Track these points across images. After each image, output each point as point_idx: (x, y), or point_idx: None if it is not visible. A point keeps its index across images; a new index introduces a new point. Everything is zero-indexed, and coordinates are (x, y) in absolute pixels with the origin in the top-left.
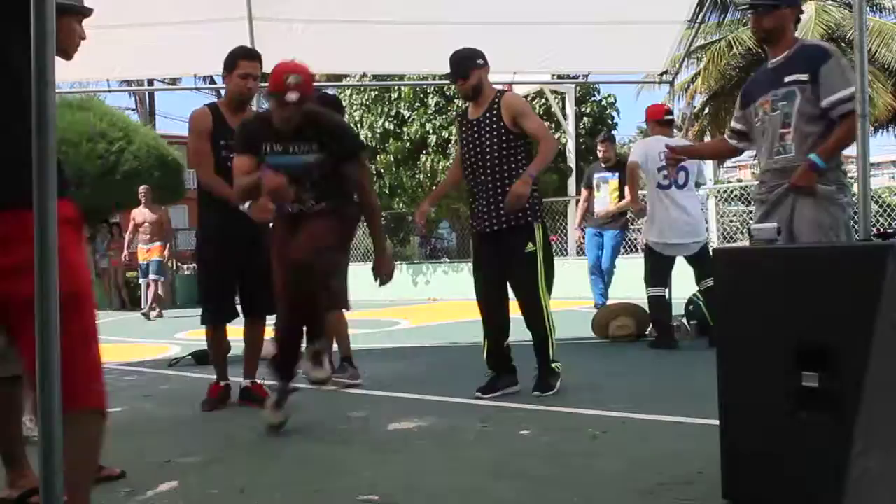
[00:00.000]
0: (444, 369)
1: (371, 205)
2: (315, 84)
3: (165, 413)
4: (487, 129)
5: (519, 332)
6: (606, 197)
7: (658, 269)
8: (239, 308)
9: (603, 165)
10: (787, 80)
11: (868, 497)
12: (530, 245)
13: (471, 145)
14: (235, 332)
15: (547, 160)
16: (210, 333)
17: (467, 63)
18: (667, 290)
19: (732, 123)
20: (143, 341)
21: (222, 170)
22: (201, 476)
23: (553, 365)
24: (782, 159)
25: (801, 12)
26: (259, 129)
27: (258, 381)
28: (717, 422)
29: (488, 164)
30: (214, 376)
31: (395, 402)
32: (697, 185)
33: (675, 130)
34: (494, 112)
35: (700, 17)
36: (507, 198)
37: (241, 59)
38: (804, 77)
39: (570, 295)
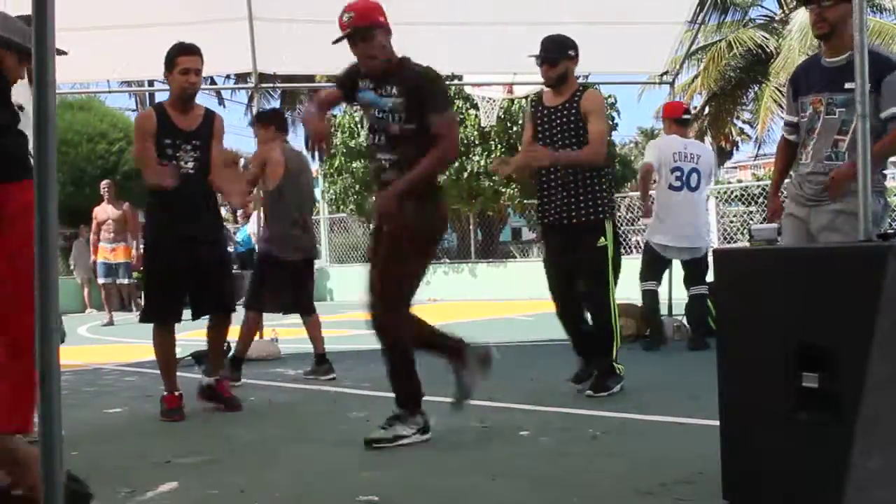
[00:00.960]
0: (444, 369)
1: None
2: (315, 84)
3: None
4: (564, 119)
5: (526, 332)
6: None
7: (653, 266)
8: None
9: None
10: (848, 86)
11: (868, 497)
12: (602, 240)
13: (545, 133)
14: (235, 332)
15: (578, 161)
16: (156, 335)
17: (559, 52)
18: (658, 286)
19: (787, 117)
20: (143, 341)
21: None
22: (201, 476)
23: (616, 365)
24: (832, 165)
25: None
26: (356, 70)
27: (220, 379)
28: (717, 422)
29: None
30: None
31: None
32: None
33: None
34: (575, 103)
35: (700, 18)
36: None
37: (179, 55)
38: (867, 86)
39: None
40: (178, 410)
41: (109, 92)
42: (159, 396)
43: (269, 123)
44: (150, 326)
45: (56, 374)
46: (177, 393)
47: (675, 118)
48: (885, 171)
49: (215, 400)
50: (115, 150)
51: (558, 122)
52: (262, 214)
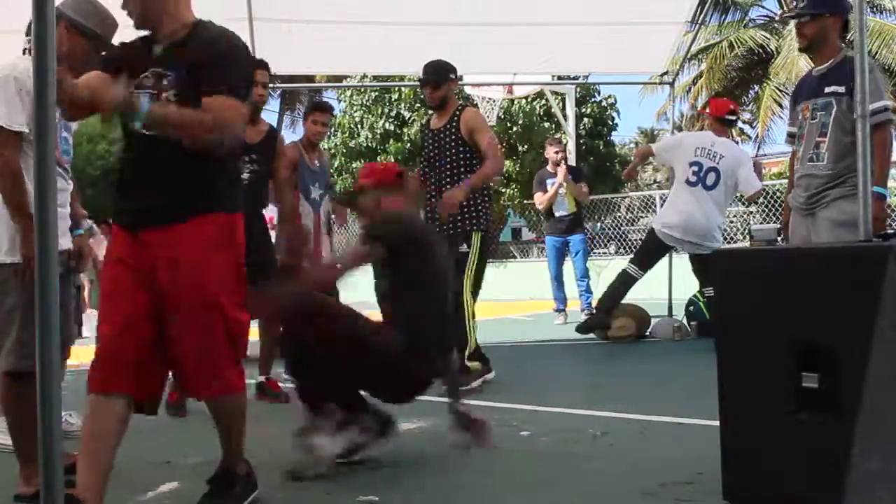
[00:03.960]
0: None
1: None
2: (315, 84)
3: (165, 414)
4: (447, 138)
5: (526, 332)
6: (564, 201)
7: (648, 252)
8: None
9: (551, 170)
10: (826, 90)
11: (868, 497)
12: (464, 247)
13: (432, 153)
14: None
15: (487, 177)
16: None
17: (441, 74)
18: (642, 275)
19: (789, 128)
20: None
21: None
22: (201, 476)
23: (468, 363)
24: (813, 166)
25: (848, 22)
26: None
27: (272, 378)
28: (717, 422)
29: (445, 172)
30: None
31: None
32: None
33: (676, 132)
34: (454, 123)
35: (700, 18)
36: (440, 202)
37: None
38: (841, 89)
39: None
40: (181, 406)
41: None
42: None
43: None
44: None
45: (56, 373)
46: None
47: (719, 117)
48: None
49: (267, 396)
50: (115, 150)
51: (442, 142)
52: None
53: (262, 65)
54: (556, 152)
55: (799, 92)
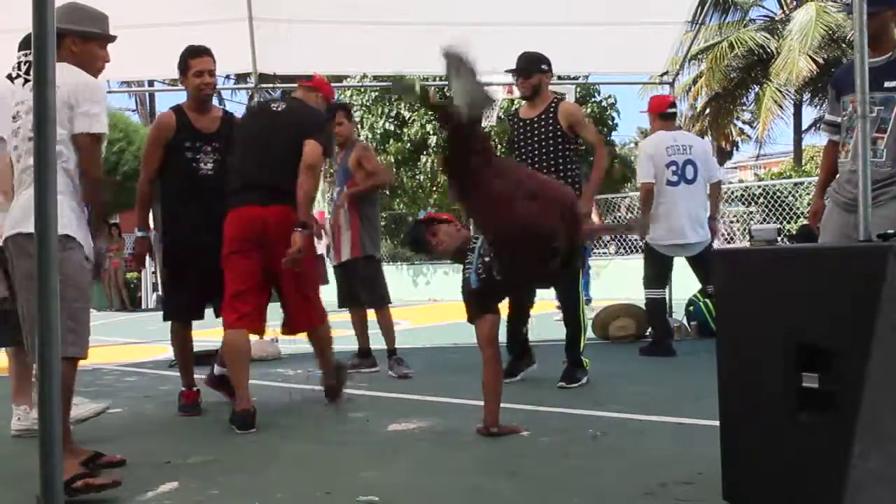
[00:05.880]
0: (444, 370)
1: None
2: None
3: (165, 414)
4: (543, 129)
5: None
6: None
7: (658, 271)
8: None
9: None
10: (887, 84)
11: (868, 497)
12: None
13: (526, 144)
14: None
15: (601, 174)
16: (175, 333)
17: (532, 65)
18: (666, 293)
19: (828, 117)
20: (144, 342)
21: (188, 172)
22: (201, 476)
23: (583, 358)
24: (871, 163)
25: None
26: None
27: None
28: (717, 422)
29: (542, 163)
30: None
31: (395, 403)
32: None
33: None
34: (551, 114)
35: (700, 18)
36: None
37: (190, 58)
38: (867, 86)
39: None
40: (195, 406)
41: (109, 92)
42: (159, 396)
43: None
44: (150, 327)
45: (56, 374)
46: (194, 388)
47: (661, 113)
48: None
49: (225, 389)
50: (115, 149)
51: (537, 132)
52: None
53: (202, 51)
54: None
55: (844, 81)
